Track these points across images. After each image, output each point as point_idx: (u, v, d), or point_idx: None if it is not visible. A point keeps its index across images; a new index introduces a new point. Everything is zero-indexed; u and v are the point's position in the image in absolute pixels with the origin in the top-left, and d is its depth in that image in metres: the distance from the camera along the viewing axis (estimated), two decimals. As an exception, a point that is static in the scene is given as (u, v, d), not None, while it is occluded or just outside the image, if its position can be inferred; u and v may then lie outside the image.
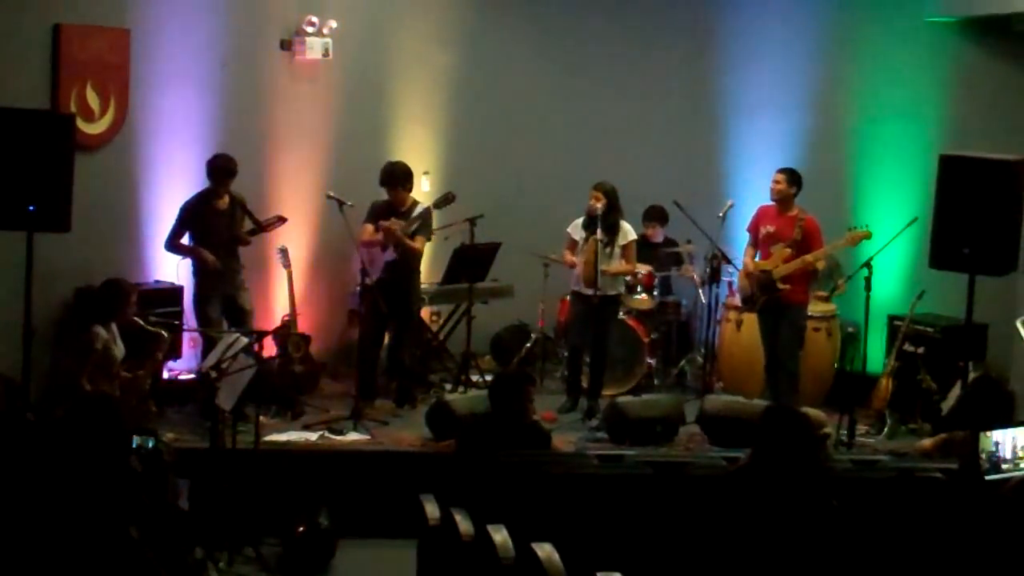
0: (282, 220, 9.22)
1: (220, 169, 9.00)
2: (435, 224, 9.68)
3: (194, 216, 9.02)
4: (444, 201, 9.25)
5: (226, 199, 9.05)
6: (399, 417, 9.23)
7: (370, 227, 9.25)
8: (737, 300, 9.84)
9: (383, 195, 9.42)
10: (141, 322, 8.22)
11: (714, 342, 10.05)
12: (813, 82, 11.08)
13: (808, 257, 9.15)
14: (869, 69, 10.99)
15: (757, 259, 9.39)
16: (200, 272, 9.03)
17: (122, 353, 8.18)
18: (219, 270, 8.97)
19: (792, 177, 9.32)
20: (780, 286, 9.20)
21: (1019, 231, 8.06)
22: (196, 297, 9.07)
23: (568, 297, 9.82)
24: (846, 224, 9.69)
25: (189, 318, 9.24)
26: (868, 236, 9.19)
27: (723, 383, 10.25)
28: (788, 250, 9.19)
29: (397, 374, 9.52)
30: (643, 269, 10.14)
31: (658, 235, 10.59)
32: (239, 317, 9.02)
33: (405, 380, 9.50)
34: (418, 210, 9.24)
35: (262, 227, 9.15)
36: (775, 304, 9.27)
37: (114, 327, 8.18)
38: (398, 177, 9.28)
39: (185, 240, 9.06)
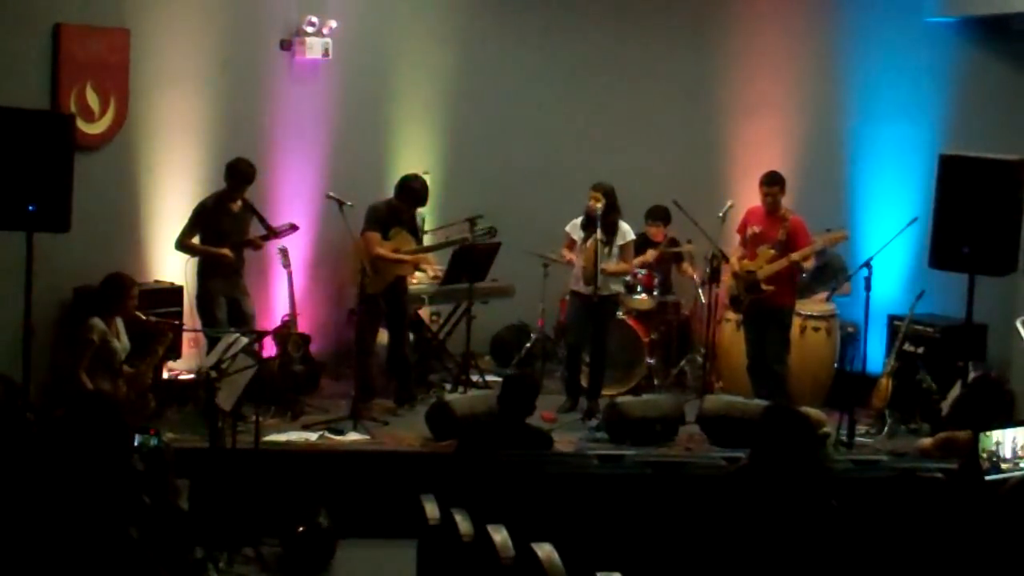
0: (294, 228, 9.19)
1: (240, 174, 9.00)
2: (435, 223, 10.10)
3: (208, 217, 9.01)
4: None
5: (239, 202, 9.06)
6: (399, 417, 9.23)
7: (378, 236, 9.21)
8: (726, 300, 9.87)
9: (383, 195, 9.42)
10: (143, 316, 8.21)
11: (714, 342, 10.06)
12: (813, 82, 11.09)
13: (793, 256, 9.17)
14: (869, 69, 10.99)
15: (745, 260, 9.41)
16: (207, 273, 9.03)
17: (126, 348, 8.18)
18: (228, 272, 8.97)
19: (782, 184, 9.33)
20: (764, 287, 9.22)
21: (1019, 231, 8.05)
22: (202, 298, 9.02)
23: (568, 297, 9.83)
24: (846, 224, 9.67)
25: (189, 318, 9.23)
26: (844, 237, 9.35)
27: (723, 383, 10.24)
28: (772, 251, 9.22)
29: (398, 372, 9.52)
30: (650, 254, 10.24)
31: (660, 234, 10.59)
32: (242, 321, 8.99)
33: (406, 379, 9.51)
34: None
35: (275, 233, 9.14)
36: (761, 306, 9.30)
37: (119, 322, 8.17)
38: (412, 195, 9.28)
39: (195, 240, 9.06)
